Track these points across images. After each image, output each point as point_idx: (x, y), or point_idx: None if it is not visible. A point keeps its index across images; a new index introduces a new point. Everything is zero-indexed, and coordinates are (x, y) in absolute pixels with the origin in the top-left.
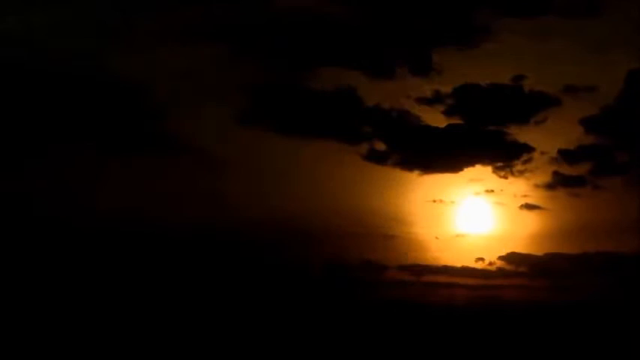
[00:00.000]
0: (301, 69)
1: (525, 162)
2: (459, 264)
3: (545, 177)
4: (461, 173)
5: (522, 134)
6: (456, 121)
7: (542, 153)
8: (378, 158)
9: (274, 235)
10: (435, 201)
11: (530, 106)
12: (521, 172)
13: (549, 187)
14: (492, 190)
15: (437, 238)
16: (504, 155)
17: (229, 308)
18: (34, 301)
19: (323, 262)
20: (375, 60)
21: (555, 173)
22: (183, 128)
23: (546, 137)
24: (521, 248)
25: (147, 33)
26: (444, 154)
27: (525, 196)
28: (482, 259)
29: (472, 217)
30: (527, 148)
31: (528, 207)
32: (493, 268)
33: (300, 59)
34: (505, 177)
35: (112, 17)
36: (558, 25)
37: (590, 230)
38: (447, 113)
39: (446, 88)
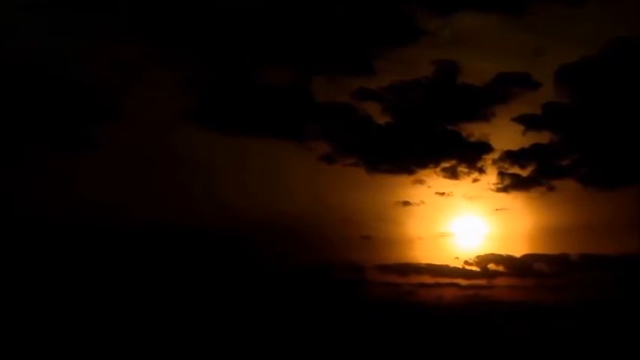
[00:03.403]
0: (243, 66)
1: (472, 162)
2: (438, 263)
3: (493, 177)
4: (408, 173)
5: (468, 132)
6: (396, 119)
7: (491, 151)
8: (329, 158)
9: (241, 237)
10: (397, 202)
11: (473, 103)
12: (467, 173)
13: (503, 189)
14: (443, 193)
15: (420, 238)
16: (457, 155)
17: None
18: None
19: (301, 264)
20: (313, 58)
21: (505, 174)
22: (132, 127)
23: (493, 136)
24: (495, 249)
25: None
26: (395, 154)
27: (478, 197)
28: (457, 259)
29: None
30: (482, 147)
31: (493, 209)
32: (472, 268)
33: (242, 57)
34: (453, 177)
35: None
36: (493, 20)
37: (559, 231)
38: (387, 111)
39: (382, 85)
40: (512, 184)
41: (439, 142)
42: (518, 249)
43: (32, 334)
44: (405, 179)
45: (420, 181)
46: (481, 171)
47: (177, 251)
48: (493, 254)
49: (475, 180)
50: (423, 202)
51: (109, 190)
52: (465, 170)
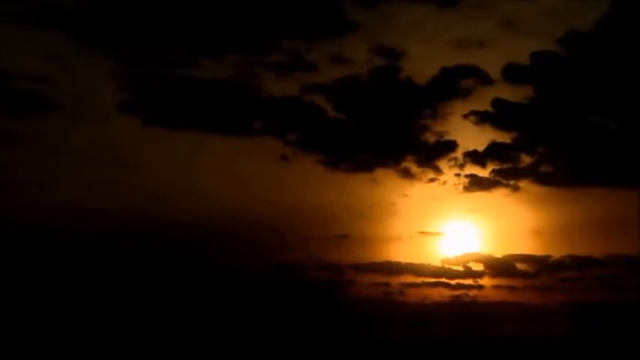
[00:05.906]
0: (182, 61)
1: (434, 161)
2: (418, 262)
3: (452, 177)
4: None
5: (423, 128)
6: (347, 116)
7: (454, 150)
8: (286, 157)
9: (202, 238)
10: (370, 202)
11: (424, 100)
12: (425, 172)
13: (466, 188)
14: (405, 194)
15: (399, 237)
16: (419, 153)
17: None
18: None
19: (276, 264)
20: (255, 52)
21: (464, 174)
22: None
23: (452, 134)
24: (473, 248)
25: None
26: (354, 153)
27: (445, 198)
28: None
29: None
30: (445, 146)
31: (462, 210)
32: (452, 267)
33: (180, 51)
34: (410, 177)
35: None
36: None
37: (532, 231)
38: (336, 107)
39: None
40: (475, 183)
41: (398, 140)
42: (497, 249)
43: None
44: (363, 177)
45: (379, 181)
46: (438, 170)
47: (132, 254)
48: (471, 254)
49: (432, 179)
50: (394, 203)
51: (45, 186)
52: (422, 170)
